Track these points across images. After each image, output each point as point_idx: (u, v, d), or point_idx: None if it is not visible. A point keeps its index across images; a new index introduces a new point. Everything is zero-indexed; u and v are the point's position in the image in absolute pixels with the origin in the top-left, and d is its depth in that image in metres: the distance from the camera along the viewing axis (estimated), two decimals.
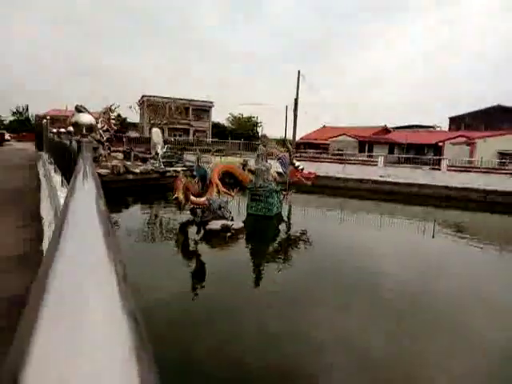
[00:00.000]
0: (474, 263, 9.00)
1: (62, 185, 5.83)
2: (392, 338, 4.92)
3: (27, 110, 55.44)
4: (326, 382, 3.95)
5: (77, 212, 0.81)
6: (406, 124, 53.99)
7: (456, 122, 49.36)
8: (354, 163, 24.33)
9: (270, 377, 3.96)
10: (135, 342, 0.33)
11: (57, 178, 7.14)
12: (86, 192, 1.14)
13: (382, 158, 23.03)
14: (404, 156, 27.35)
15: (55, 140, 10.98)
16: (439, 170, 21.10)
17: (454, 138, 36.77)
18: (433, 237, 11.74)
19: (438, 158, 24.36)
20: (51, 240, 0.56)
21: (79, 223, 0.72)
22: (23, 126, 52.05)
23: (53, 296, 0.38)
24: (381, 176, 20.93)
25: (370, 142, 40.69)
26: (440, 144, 37.28)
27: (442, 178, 19.81)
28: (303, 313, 5.53)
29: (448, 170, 20.91)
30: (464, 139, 34.90)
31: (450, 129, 49.63)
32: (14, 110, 55.02)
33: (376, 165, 22.81)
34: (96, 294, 0.41)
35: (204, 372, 3.96)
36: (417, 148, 39.61)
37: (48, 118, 18.69)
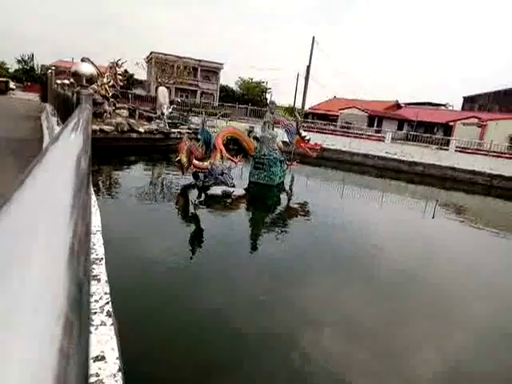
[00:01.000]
0: (472, 246, 9.05)
1: None
2: (384, 314, 5.00)
3: (32, 58, 53.91)
4: (317, 353, 4.05)
5: (51, 161, 0.75)
6: (418, 101, 52.66)
7: (470, 102, 48.12)
8: (362, 137, 23.96)
9: (260, 345, 4.05)
10: (68, 310, 0.30)
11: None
12: (70, 143, 1.05)
13: (390, 134, 22.64)
14: (413, 133, 26.85)
15: (59, 91, 10.79)
16: (447, 150, 20.77)
17: (466, 118, 35.96)
18: (433, 217, 11.73)
19: (446, 138, 23.92)
20: (16, 182, 0.50)
21: (50, 172, 0.67)
22: (28, 75, 50.98)
23: None
24: (387, 152, 20.67)
25: (379, 116, 39.91)
26: (451, 124, 36.53)
27: (449, 158, 19.54)
28: (298, 283, 5.59)
29: (456, 151, 20.59)
30: (476, 120, 34.14)
31: (463, 109, 48.44)
32: (19, 58, 53.59)
33: (383, 141, 22.46)
34: (39, 251, 0.36)
35: (193, 334, 4.04)
36: (427, 126, 38.88)
37: (53, 68, 18.28)
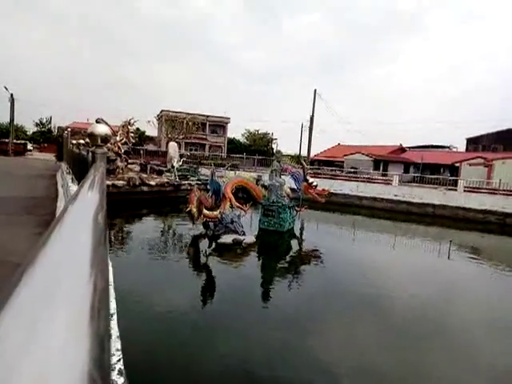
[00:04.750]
0: (489, 287, 8.76)
1: None
2: (401, 361, 4.82)
3: (50, 121, 57.12)
4: None
5: (71, 219, 0.79)
6: (422, 144, 53.58)
7: (473, 144, 48.75)
8: (369, 181, 24.19)
9: None
10: (92, 368, 0.31)
11: (73, 188, 7.34)
12: (88, 201, 1.11)
13: (397, 176, 22.84)
14: (419, 175, 27.05)
15: (74, 151, 11.33)
16: (455, 190, 20.77)
17: (472, 158, 36.26)
18: (448, 258, 11.50)
19: (454, 178, 24.02)
20: (38, 243, 0.53)
21: (70, 231, 0.71)
22: (45, 137, 53.60)
23: (18, 299, 0.35)
24: (395, 195, 20.73)
25: (385, 160, 40.44)
26: (457, 164, 36.79)
27: (459, 198, 19.48)
28: (311, 332, 5.46)
29: (465, 190, 20.58)
30: (482, 160, 34.37)
31: (467, 150, 49.01)
32: (37, 122, 56.73)
33: (391, 184, 22.62)
34: (63, 306, 0.39)
35: None
36: (432, 168, 39.15)
37: (69, 129, 19.28)
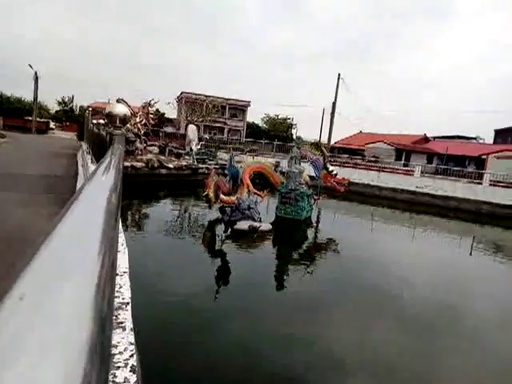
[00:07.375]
0: None
1: None
2: (416, 355, 4.64)
3: (72, 100, 57.61)
4: None
5: (85, 201, 0.82)
6: (447, 134, 51.80)
7: (502, 135, 46.78)
8: (390, 172, 23.57)
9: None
10: (92, 349, 0.31)
11: (92, 168, 7.32)
12: (103, 182, 1.15)
13: (419, 167, 22.16)
14: (443, 167, 26.17)
15: (94, 131, 11.32)
16: (480, 184, 20.02)
17: (500, 151, 34.85)
18: (470, 254, 11.11)
19: (479, 171, 23.12)
20: (51, 223, 0.54)
21: (83, 212, 0.73)
22: (67, 116, 54.26)
23: (23, 282, 0.36)
24: (417, 187, 20.16)
25: (407, 150, 39.33)
26: (483, 157, 35.47)
27: (484, 192, 18.78)
28: (324, 322, 5.34)
29: (490, 184, 19.81)
30: (511, 153, 32.99)
31: (495, 142, 47.10)
32: (60, 100, 57.33)
33: (412, 174, 21.98)
34: (67, 288, 0.39)
35: (214, 374, 3.89)
36: (457, 160, 37.87)
37: (90, 109, 19.35)
